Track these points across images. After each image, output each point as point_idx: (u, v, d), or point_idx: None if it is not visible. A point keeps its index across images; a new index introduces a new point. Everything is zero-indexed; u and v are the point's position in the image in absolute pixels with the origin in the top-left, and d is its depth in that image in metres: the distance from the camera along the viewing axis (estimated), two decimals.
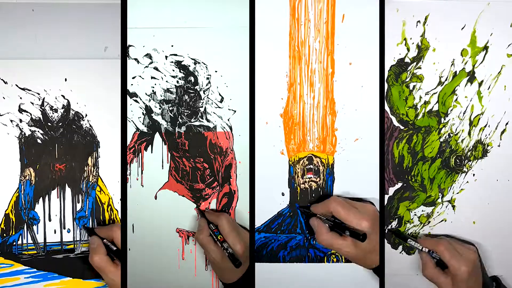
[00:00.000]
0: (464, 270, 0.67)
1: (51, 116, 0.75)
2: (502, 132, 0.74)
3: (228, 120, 0.74)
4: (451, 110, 0.74)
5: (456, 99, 0.74)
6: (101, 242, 0.71)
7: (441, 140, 0.75)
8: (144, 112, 0.74)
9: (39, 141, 0.74)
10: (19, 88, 0.74)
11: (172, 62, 0.73)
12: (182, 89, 0.74)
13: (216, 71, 0.74)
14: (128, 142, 0.74)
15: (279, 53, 0.72)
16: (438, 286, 0.70)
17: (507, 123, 0.74)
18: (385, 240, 0.75)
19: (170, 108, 0.74)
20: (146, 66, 0.73)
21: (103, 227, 0.74)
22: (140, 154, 0.74)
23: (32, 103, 0.74)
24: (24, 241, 0.74)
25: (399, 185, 0.75)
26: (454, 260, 0.67)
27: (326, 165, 0.73)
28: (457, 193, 0.75)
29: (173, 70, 0.73)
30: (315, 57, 0.72)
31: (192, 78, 0.74)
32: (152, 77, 0.73)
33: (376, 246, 0.67)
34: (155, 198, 0.74)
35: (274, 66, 0.72)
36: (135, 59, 0.73)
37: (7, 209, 0.74)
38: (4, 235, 0.74)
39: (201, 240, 0.70)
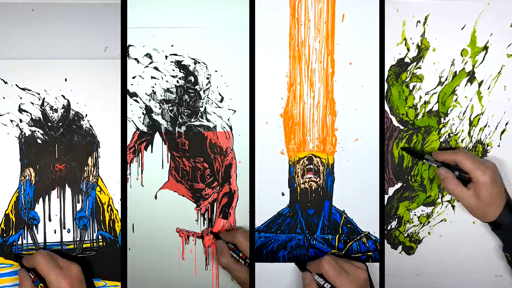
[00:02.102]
0: (486, 178, 0.66)
1: (51, 116, 0.75)
2: (502, 132, 0.74)
3: (228, 120, 0.74)
4: (451, 110, 0.74)
5: (456, 99, 0.74)
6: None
7: (441, 140, 0.75)
8: (144, 112, 0.74)
9: (39, 141, 0.74)
10: (19, 88, 0.74)
11: (172, 62, 0.73)
12: (182, 89, 0.74)
13: (216, 71, 0.74)
14: (128, 142, 0.74)
15: (279, 53, 0.72)
16: (460, 199, 0.69)
17: (507, 123, 0.74)
18: (385, 240, 0.75)
19: (170, 108, 0.74)
20: (146, 66, 0.73)
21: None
22: (140, 154, 0.74)
23: (32, 103, 0.74)
24: (24, 241, 0.74)
25: (399, 185, 0.75)
26: (476, 167, 0.67)
27: (326, 165, 0.73)
28: None
29: (173, 70, 0.73)
30: (315, 57, 0.72)
31: (192, 78, 0.74)
32: (152, 77, 0.73)
33: None
34: (155, 198, 0.74)
35: (274, 66, 0.72)
36: (135, 59, 0.73)
37: (7, 209, 0.74)
38: (4, 235, 0.74)
39: (225, 263, 0.71)
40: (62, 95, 0.75)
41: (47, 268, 0.66)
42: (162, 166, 0.74)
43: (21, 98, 0.74)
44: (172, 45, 0.73)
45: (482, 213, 0.69)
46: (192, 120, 0.74)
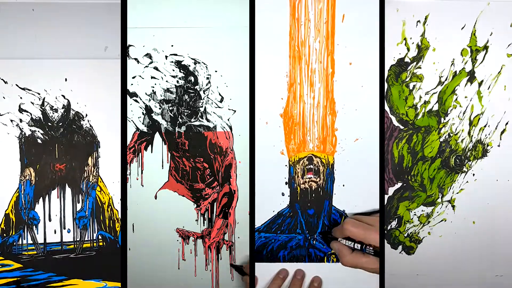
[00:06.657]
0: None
1: (51, 116, 0.75)
2: (502, 132, 0.74)
3: (228, 120, 0.74)
4: (451, 110, 0.74)
5: (456, 99, 0.74)
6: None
7: (441, 140, 0.75)
8: (144, 112, 0.74)
9: (39, 141, 0.74)
10: (19, 88, 0.74)
11: (172, 62, 0.73)
12: (182, 89, 0.74)
13: (216, 71, 0.74)
14: (128, 142, 0.74)
15: (279, 53, 0.72)
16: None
17: (507, 123, 0.74)
18: (385, 240, 0.75)
19: (170, 108, 0.74)
20: (146, 66, 0.73)
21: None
22: (140, 154, 0.74)
23: (32, 103, 0.74)
24: (24, 241, 0.74)
25: (399, 185, 0.75)
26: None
27: (326, 165, 0.73)
28: (457, 193, 0.75)
29: (173, 70, 0.73)
30: (315, 57, 0.72)
31: (192, 78, 0.74)
32: (152, 77, 0.73)
33: None
34: (155, 198, 0.74)
35: (274, 66, 0.72)
36: (135, 59, 0.73)
37: (7, 209, 0.74)
38: (4, 235, 0.74)
39: None
40: (62, 95, 0.75)
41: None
42: (162, 166, 0.74)
43: (21, 98, 0.74)
44: (172, 45, 0.73)
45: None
46: (192, 120, 0.74)
